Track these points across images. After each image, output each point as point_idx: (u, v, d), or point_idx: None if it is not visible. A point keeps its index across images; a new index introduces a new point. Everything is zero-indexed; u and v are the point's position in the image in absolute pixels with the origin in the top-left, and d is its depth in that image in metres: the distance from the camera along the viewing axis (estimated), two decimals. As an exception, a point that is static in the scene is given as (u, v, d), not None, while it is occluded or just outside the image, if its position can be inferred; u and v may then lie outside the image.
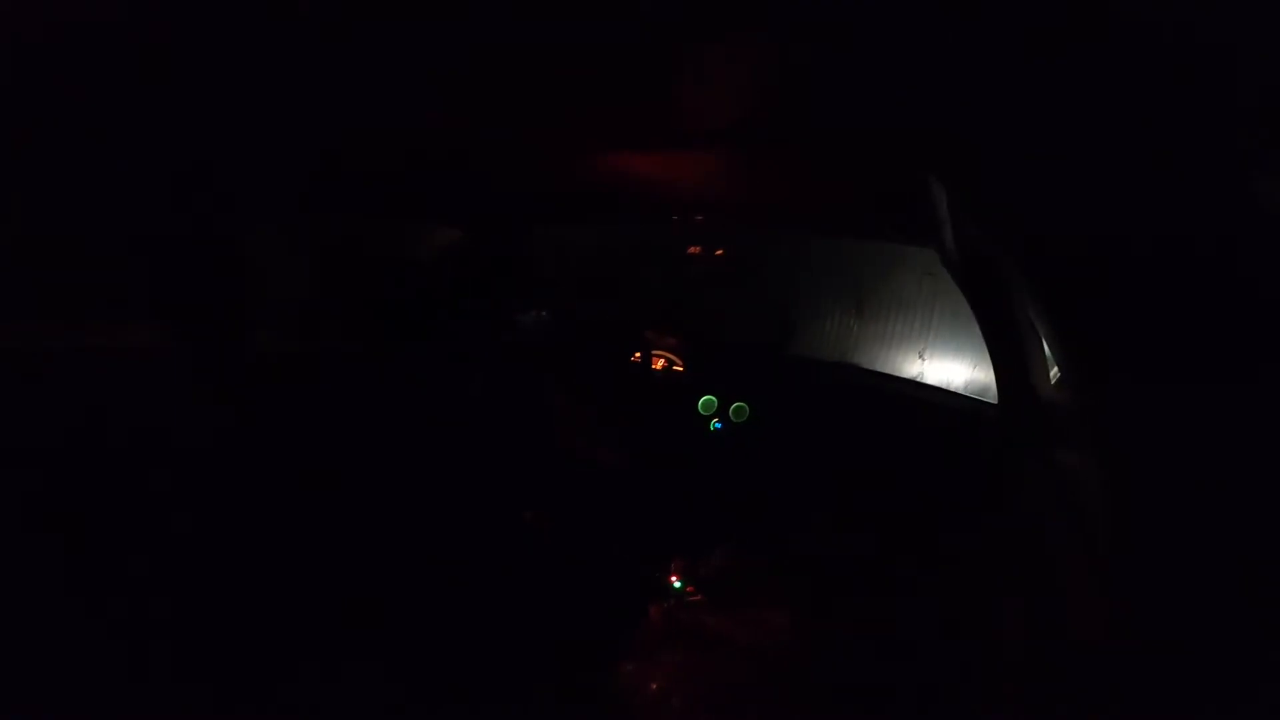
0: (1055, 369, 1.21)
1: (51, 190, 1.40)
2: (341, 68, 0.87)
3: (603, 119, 1.13)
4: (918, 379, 2.17)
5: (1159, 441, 0.68)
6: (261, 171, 1.49)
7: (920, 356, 2.17)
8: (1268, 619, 0.59)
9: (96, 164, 1.35)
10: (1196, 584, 0.63)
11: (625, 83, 0.92)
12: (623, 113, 1.08)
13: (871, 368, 2.29)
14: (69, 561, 1.35)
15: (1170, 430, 0.67)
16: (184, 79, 0.90)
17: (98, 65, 0.81)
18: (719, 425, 2.28)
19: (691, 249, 2.23)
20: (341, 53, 0.81)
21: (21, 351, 1.49)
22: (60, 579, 1.34)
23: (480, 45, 0.75)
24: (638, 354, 2.43)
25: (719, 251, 2.21)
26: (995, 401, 1.66)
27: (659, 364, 2.43)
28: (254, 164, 1.44)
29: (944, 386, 2.06)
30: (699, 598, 1.70)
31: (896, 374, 2.27)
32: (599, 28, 0.69)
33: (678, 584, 1.71)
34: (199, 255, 1.47)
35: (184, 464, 1.49)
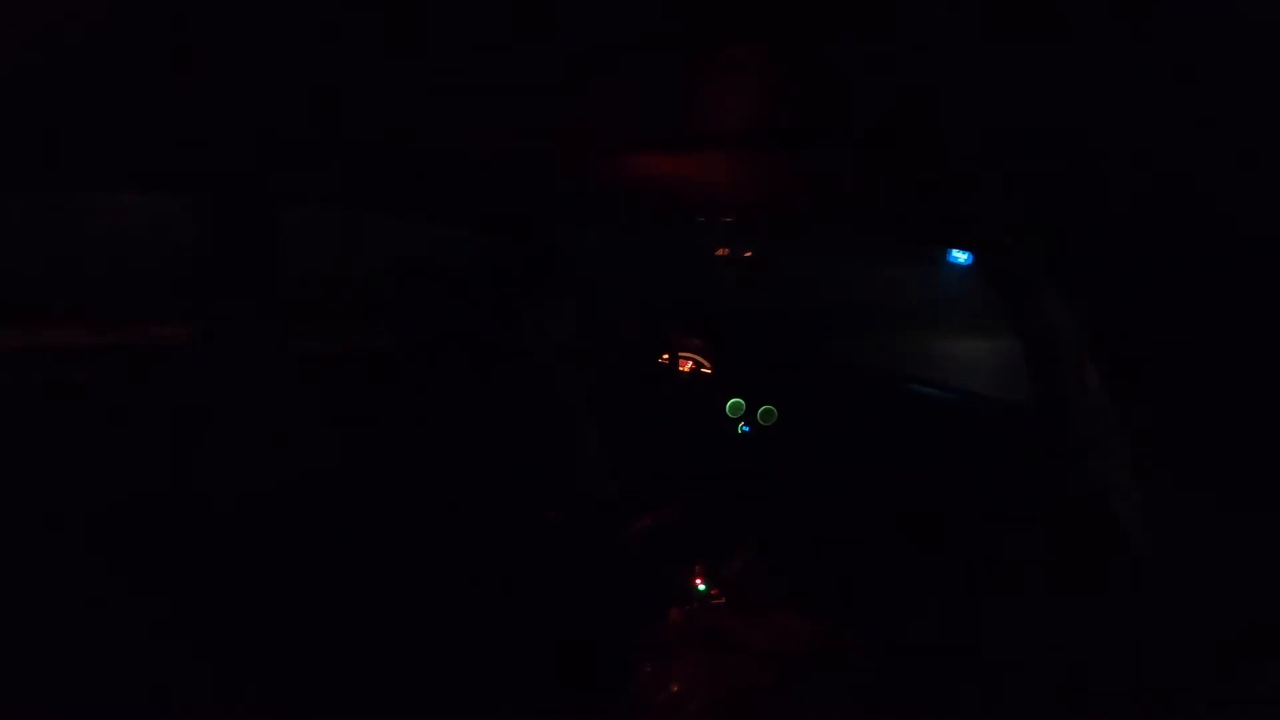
0: (1091, 374, 1.18)
1: (85, 187, 1.45)
2: (368, 68, 0.89)
3: (629, 120, 1.13)
4: (947, 384, 2.13)
5: (1191, 447, 0.66)
6: (297, 169, 1.52)
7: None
8: None
9: (131, 159, 1.39)
10: (1227, 590, 0.61)
11: (650, 83, 0.92)
12: (649, 114, 1.08)
13: (901, 371, 2.26)
14: (86, 559, 1.39)
15: (1202, 436, 0.65)
16: (219, 74, 0.92)
17: (128, 58, 0.84)
18: (746, 428, 2.27)
19: (719, 250, 2.22)
20: (367, 53, 0.82)
21: (54, 348, 1.55)
22: (81, 575, 1.38)
23: (507, 42, 0.76)
24: (665, 355, 2.43)
25: (747, 254, 2.20)
26: (1028, 407, 1.62)
27: (686, 366, 2.42)
28: (289, 161, 1.48)
29: (974, 391, 2.03)
30: (722, 601, 1.69)
31: (926, 378, 2.23)
32: (626, 27, 0.69)
33: (701, 587, 1.70)
34: (236, 251, 1.51)
35: (216, 461, 1.52)
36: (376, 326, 1.79)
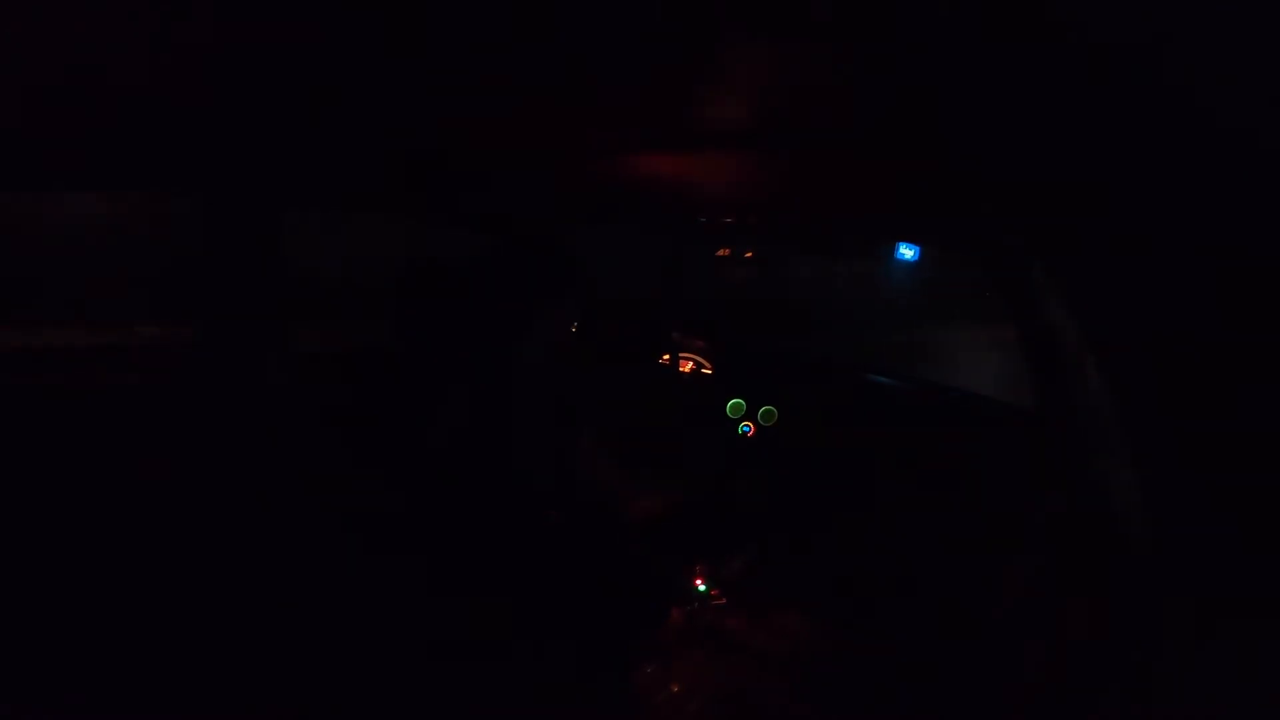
0: (1092, 374, 1.19)
1: (87, 187, 1.45)
2: (369, 67, 0.89)
3: (632, 120, 1.13)
4: (948, 385, 2.13)
5: (1192, 446, 0.66)
6: (300, 170, 1.52)
7: None
8: None
9: (133, 158, 1.39)
10: (1226, 590, 0.61)
11: (653, 83, 0.92)
12: (652, 113, 1.08)
13: (902, 372, 2.26)
14: (87, 559, 1.39)
15: (1203, 434, 0.65)
16: (221, 73, 0.92)
17: (129, 56, 0.84)
18: (746, 429, 2.27)
19: (721, 251, 2.22)
20: (368, 53, 0.82)
21: (60, 349, 1.55)
22: (82, 575, 1.38)
23: (511, 44, 0.76)
24: (666, 356, 2.43)
25: (748, 254, 2.20)
26: (1027, 407, 1.62)
27: (687, 366, 2.42)
28: (293, 162, 1.48)
29: (975, 392, 2.02)
30: (722, 601, 1.69)
31: (927, 379, 2.23)
32: (632, 25, 0.69)
33: (701, 587, 1.70)
34: (239, 252, 1.51)
35: (223, 460, 1.52)
36: (378, 326, 1.79)
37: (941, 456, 1.88)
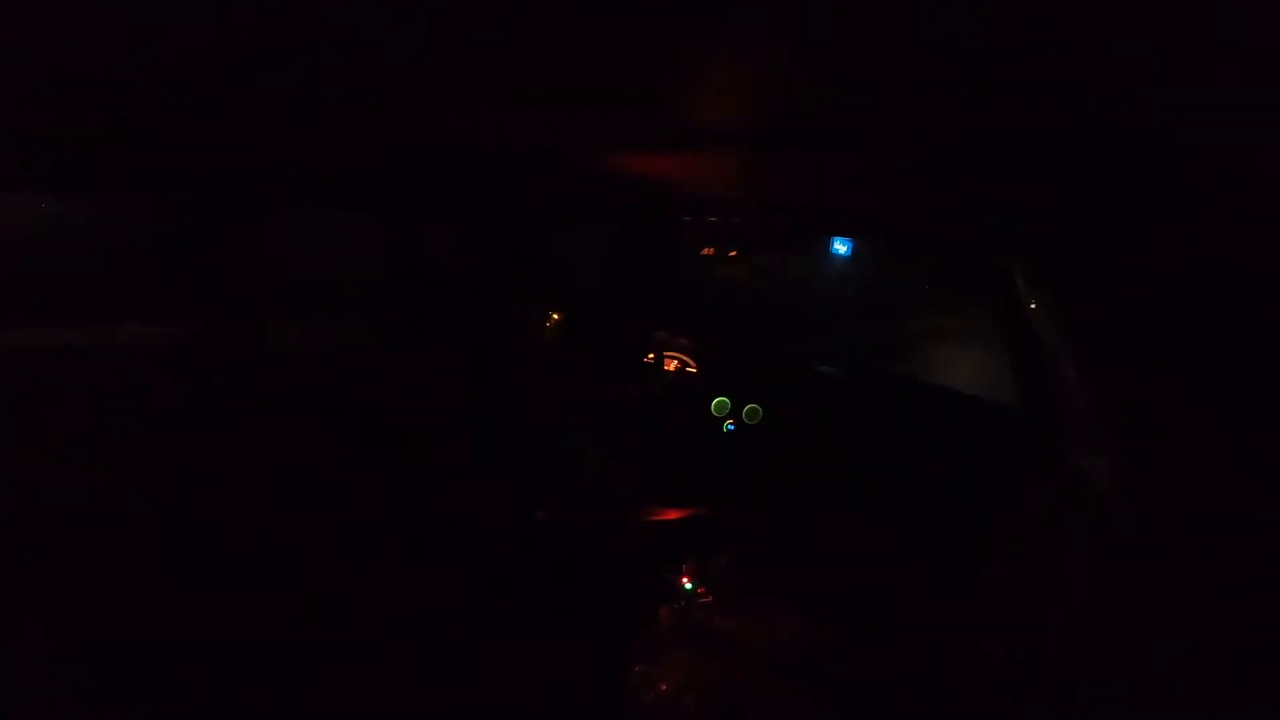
0: (1074, 372, 1.20)
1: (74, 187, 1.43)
2: (354, 64, 0.88)
3: (616, 117, 1.13)
4: (933, 381, 2.14)
5: (1171, 441, 0.66)
6: (280, 167, 1.51)
7: None
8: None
9: (120, 159, 1.38)
10: (1211, 584, 0.62)
11: (638, 81, 0.92)
12: (636, 111, 1.08)
13: (886, 369, 2.27)
14: (80, 563, 1.38)
15: (1183, 429, 0.65)
16: (203, 73, 0.92)
17: (120, 58, 0.83)
18: (732, 427, 2.28)
19: (705, 250, 2.22)
20: (353, 48, 0.82)
21: (43, 349, 1.53)
22: (75, 574, 1.37)
23: (495, 40, 0.76)
24: (650, 355, 2.43)
25: (732, 253, 2.20)
26: (1012, 402, 1.64)
27: (672, 365, 2.42)
28: (273, 159, 1.47)
29: (960, 388, 2.04)
30: (710, 599, 1.69)
31: (912, 375, 2.25)
32: (616, 24, 0.69)
33: (689, 585, 1.70)
34: (218, 250, 1.49)
35: (200, 460, 1.51)
36: (365, 325, 1.78)
37: (933, 453, 1.89)
